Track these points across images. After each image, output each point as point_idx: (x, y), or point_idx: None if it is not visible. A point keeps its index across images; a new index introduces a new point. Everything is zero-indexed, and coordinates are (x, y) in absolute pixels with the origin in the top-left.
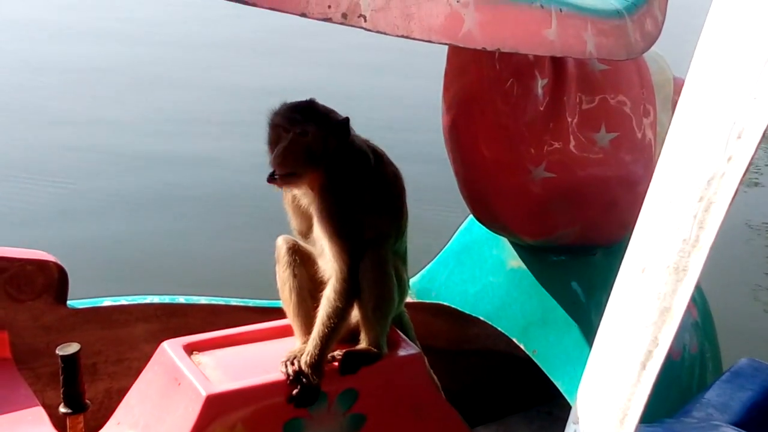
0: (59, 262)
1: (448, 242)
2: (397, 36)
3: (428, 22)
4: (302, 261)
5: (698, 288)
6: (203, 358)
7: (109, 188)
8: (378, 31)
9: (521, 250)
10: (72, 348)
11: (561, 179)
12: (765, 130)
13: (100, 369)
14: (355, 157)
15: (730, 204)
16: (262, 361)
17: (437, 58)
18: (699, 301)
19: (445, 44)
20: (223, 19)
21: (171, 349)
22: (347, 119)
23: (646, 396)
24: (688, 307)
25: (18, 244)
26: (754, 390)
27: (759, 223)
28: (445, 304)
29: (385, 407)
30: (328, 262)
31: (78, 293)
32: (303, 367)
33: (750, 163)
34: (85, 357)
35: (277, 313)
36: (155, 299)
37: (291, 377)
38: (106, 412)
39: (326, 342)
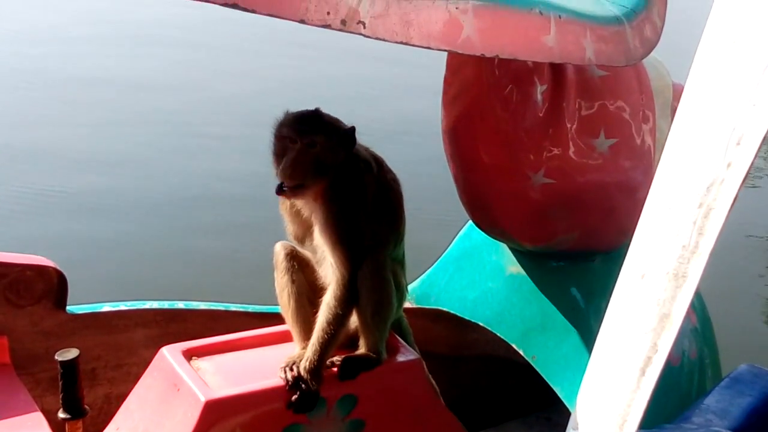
0: (59, 268)
1: (447, 248)
2: (396, 42)
3: (427, 29)
4: (300, 267)
5: (697, 294)
6: (202, 363)
7: (109, 193)
8: (377, 38)
9: (520, 255)
10: (71, 353)
11: (560, 185)
12: (764, 137)
13: (100, 374)
14: (358, 165)
15: (730, 210)
16: (261, 367)
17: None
18: (698, 306)
19: (444, 51)
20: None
21: (170, 354)
22: (353, 128)
23: (646, 402)
24: (688, 313)
25: (17, 250)
26: (753, 396)
27: (759, 229)
28: (444, 309)
29: (384, 413)
30: (328, 269)
31: (77, 299)
32: (302, 372)
33: (749, 170)
34: (85, 362)
35: (277, 318)
36: (154, 305)
37: (290, 383)
38: (105, 418)
39: (325, 348)
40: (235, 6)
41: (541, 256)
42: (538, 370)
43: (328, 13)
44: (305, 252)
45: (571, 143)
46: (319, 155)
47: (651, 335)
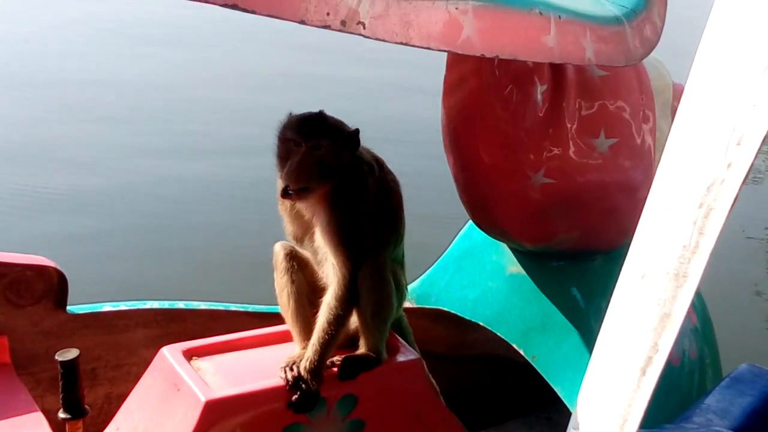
0: (59, 268)
1: (447, 247)
2: (396, 43)
3: (427, 29)
4: (300, 267)
5: (698, 294)
6: (202, 363)
7: (109, 194)
8: (377, 38)
9: (521, 255)
10: (71, 354)
11: (560, 185)
12: (764, 137)
13: (100, 374)
14: (361, 168)
15: (730, 210)
16: (262, 367)
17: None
18: (698, 306)
19: (444, 51)
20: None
21: (170, 354)
22: (357, 131)
23: (646, 402)
24: (688, 312)
25: (17, 250)
26: (754, 396)
27: (759, 228)
28: (444, 309)
29: (385, 413)
30: (329, 269)
31: (78, 298)
32: (302, 372)
33: (749, 170)
34: (85, 362)
35: (277, 318)
36: (155, 304)
37: (290, 383)
38: (105, 418)
39: (326, 348)
40: (234, 7)
41: (542, 256)
42: (538, 369)
43: (328, 14)
44: (304, 252)
45: (571, 143)
46: (324, 158)
47: (651, 335)
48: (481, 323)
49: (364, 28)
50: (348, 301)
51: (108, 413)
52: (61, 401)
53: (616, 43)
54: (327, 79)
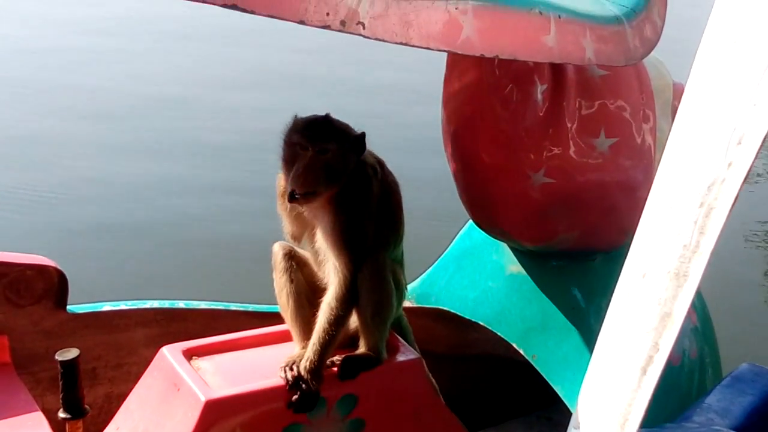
0: (59, 267)
1: (447, 247)
2: (396, 43)
3: (427, 29)
4: (299, 266)
5: (698, 293)
6: (202, 363)
7: (109, 193)
8: (376, 39)
9: (521, 255)
10: (71, 353)
11: (560, 185)
12: (765, 136)
13: (100, 374)
14: (366, 171)
15: (731, 210)
16: (262, 367)
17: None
18: (699, 306)
19: (444, 51)
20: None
21: (170, 354)
22: (363, 134)
23: (647, 401)
24: (688, 312)
25: (18, 249)
26: (755, 395)
27: (759, 228)
28: (444, 308)
29: (385, 412)
30: (330, 270)
31: (78, 298)
32: (302, 372)
33: (750, 169)
34: (85, 362)
35: (277, 318)
36: (155, 304)
37: (290, 383)
38: (105, 417)
39: (326, 348)
40: (234, 7)
41: (542, 256)
42: (538, 369)
43: (328, 14)
44: (303, 251)
45: (571, 142)
46: (331, 162)
47: (652, 334)
48: (481, 323)
49: (364, 28)
50: (348, 301)
51: (108, 413)
52: (61, 401)
53: (616, 42)
54: (326, 79)
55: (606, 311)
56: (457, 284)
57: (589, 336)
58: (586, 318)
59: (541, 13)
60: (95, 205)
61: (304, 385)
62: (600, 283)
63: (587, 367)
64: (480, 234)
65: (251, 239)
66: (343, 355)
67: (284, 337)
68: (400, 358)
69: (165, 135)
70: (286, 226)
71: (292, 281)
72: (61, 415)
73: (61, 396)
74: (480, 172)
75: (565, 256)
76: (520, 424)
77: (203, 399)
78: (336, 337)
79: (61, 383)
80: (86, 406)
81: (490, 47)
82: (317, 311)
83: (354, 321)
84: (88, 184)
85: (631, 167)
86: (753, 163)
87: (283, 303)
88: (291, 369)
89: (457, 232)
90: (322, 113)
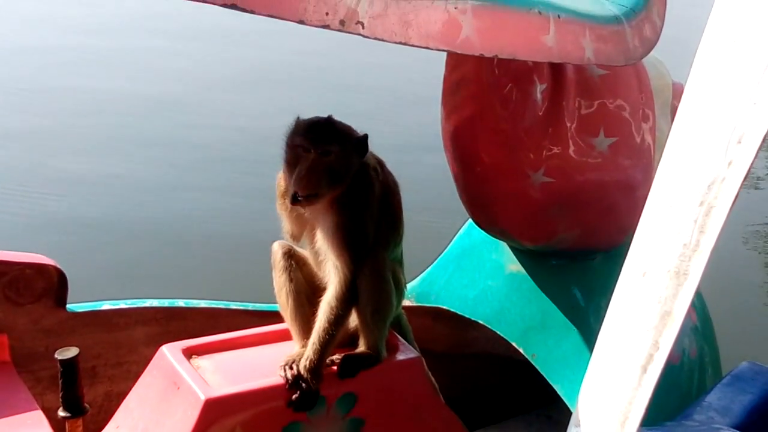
0: (59, 266)
1: (447, 246)
2: (395, 43)
3: (426, 29)
4: (298, 265)
5: (698, 293)
6: (202, 361)
7: (109, 191)
8: (376, 38)
9: (520, 254)
10: (71, 352)
11: (560, 184)
12: (765, 135)
13: (100, 372)
14: (368, 173)
15: (731, 208)
16: (261, 365)
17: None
18: (698, 305)
19: (444, 51)
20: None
21: (170, 352)
22: (366, 136)
23: (647, 399)
24: (688, 311)
25: (17, 248)
26: (755, 393)
27: (759, 227)
28: (444, 307)
29: (384, 411)
30: (330, 269)
31: (77, 297)
32: (302, 371)
33: (750, 168)
34: (85, 360)
35: (276, 317)
36: (155, 303)
37: (290, 382)
38: (105, 416)
39: (325, 347)
40: (233, 6)
41: (541, 255)
42: (538, 368)
43: (327, 14)
44: (303, 250)
45: (570, 142)
46: (333, 164)
47: (652, 333)
48: (480, 322)
49: (363, 27)
50: (348, 300)
51: (108, 411)
52: (60, 399)
53: (616, 42)
54: (326, 79)
55: (606, 310)
56: (456, 283)
57: (589, 335)
58: (585, 317)
59: (540, 12)
60: (95, 204)
61: (303, 384)
62: (599, 283)
63: (587, 366)
64: (479, 233)
65: (251, 238)
66: (342, 354)
67: (284, 335)
68: (400, 356)
69: (166, 134)
70: (286, 225)
71: (291, 280)
72: (61, 413)
73: (60, 394)
74: (479, 171)
75: (564, 256)
76: (520, 423)
77: (203, 398)
78: (336, 336)
79: (60, 382)
80: (86, 405)
81: (490, 47)
82: (317, 310)
83: (354, 320)
84: (88, 182)
85: (631, 167)
86: (753, 161)
87: (283, 302)
88: (291, 368)
89: (457, 231)
90: (325, 115)
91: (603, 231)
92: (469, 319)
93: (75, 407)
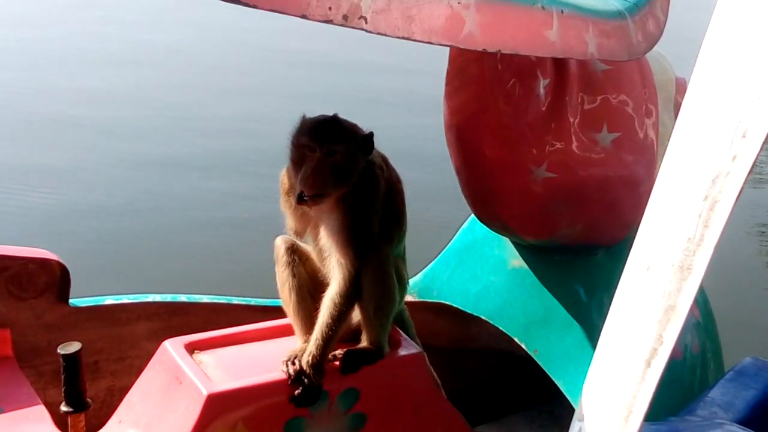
0: (61, 261)
1: (449, 241)
2: (398, 38)
3: (429, 24)
4: (301, 260)
5: (700, 288)
6: (204, 357)
7: (113, 185)
8: (379, 33)
9: (523, 249)
10: (73, 347)
11: (563, 179)
12: None
13: (102, 367)
14: (374, 171)
15: (735, 203)
16: (264, 361)
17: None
18: (701, 301)
19: (446, 46)
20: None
21: (172, 347)
22: (371, 134)
23: (651, 394)
24: (690, 306)
25: (20, 243)
26: (758, 389)
27: (762, 221)
28: (446, 303)
29: (387, 406)
30: (334, 265)
31: (80, 291)
32: (304, 366)
33: (755, 162)
34: (87, 355)
35: (279, 312)
36: (157, 298)
37: (292, 377)
38: (107, 411)
39: (328, 342)
40: (236, 2)
41: (544, 250)
42: (540, 363)
43: (330, 9)
44: (306, 246)
45: (573, 137)
46: (339, 163)
47: (656, 327)
48: (483, 317)
49: (366, 22)
50: (351, 296)
51: (110, 406)
52: (63, 394)
53: (619, 37)
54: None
55: (608, 306)
56: (459, 278)
57: (591, 331)
58: (588, 312)
59: (543, 7)
60: (97, 198)
61: (306, 380)
62: (602, 278)
63: (589, 361)
64: (482, 228)
65: (253, 232)
66: (345, 349)
67: (286, 331)
68: (402, 352)
69: (168, 128)
70: (290, 222)
71: (294, 275)
72: (64, 408)
73: (63, 389)
74: (482, 166)
75: (567, 251)
76: (522, 419)
77: (205, 393)
78: (338, 331)
79: (63, 376)
80: (88, 400)
81: (493, 42)
82: (319, 305)
83: (356, 315)
84: (90, 177)
85: (634, 162)
86: (757, 156)
87: (286, 297)
88: (293, 363)
89: (459, 227)
90: (330, 114)
91: (606, 226)
92: (471, 315)
93: (77, 402)
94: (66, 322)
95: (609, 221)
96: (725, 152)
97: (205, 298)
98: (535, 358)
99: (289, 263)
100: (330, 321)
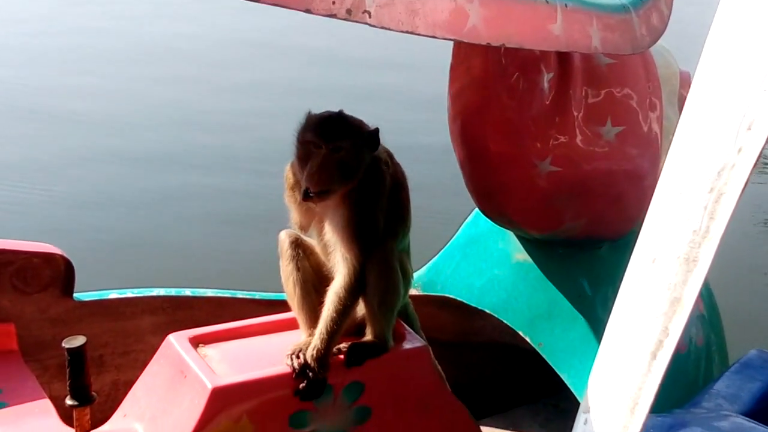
0: (66, 255)
1: (453, 235)
2: (402, 32)
3: (433, 18)
4: (305, 254)
5: (705, 281)
6: (209, 350)
7: (116, 181)
8: (382, 27)
9: (527, 243)
10: (78, 341)
11: (567, 173)
12: None
13: (107, 361)
14: (379, 166)
15: (740, 195)
16: (268, 354)
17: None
18: (705, 294)
19: (450, 40)
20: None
21: (177, 341)
22: (377, 130)
23: (657, 386)
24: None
25: (25, 237)
26: (763, 381)
27: (765, 215)
28: (451, 296)
29: (391, 400)
30: (339, 259)
31: (84, 286)
32: (309, 360)
33: (760, 154)
34: (92, 349)
35: (283, 305)
36: (161, 292)
37: (297, 370)
38: (112, 404)
39: (332, 336)
40: None
41: (548, 244)
42: (544, 357)
43: (334, 3)
44: (310, 239)
45: (577, 131)
46: (345, 160)
47: (662, 319)
48: (487, 310)
49: (370, 16)
50: (356, 290)
51: (115, 400)
52: (68, 388)
53: (623, 31)
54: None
55: (612, 299)
56: (463, 272)
57: (596, 324)
58: (592, 306)
59: (547, 1)
60: (102, 193)
61: (310, 373)
62: (606, 272)
63: (593, 355)
64: (486, 222)
65: (257, 226)
66: (349, 343)
67: (291, 324)
68: (407, 345)
69: (171, 126)
70: (294, 216)
71: (298, 269)
72: (69, 402)
73: (68, 383)
74: (486, 160)
75: (571, 245)
76: (527, 412)
77: (210, 386)
78: (343, 325)
79: (68, 370)
80: (93, 393)
81: (497, 36)
82: (324, 299)
83: (361, 308)
84: (95, 168)
85: (638, 156)
86: (763, 148)
87: (290, 291)
88: (297, 357)
89: (463, 221)
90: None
91: (610, 220)
92: (475, 308)
93: (82, 396)
94: (71, 316)
95: (613, 215)
96: (731, 144)
97: (210, 292)
98: (539, 352)
99: (294, 257)
100: (334, 315)
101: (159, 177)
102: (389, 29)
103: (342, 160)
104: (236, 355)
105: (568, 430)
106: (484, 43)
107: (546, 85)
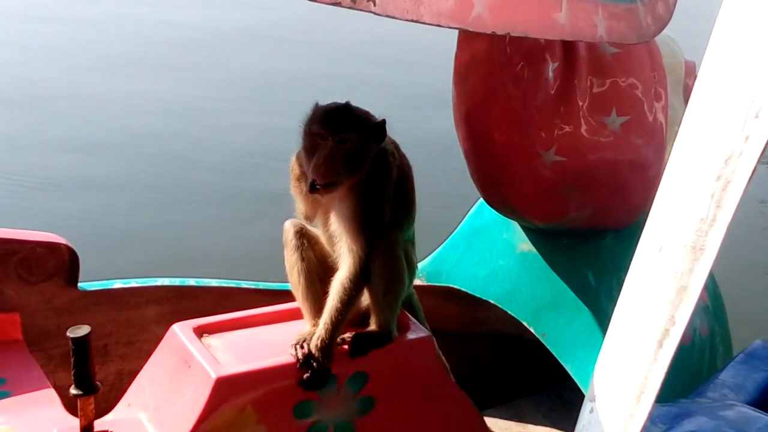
0: (70, 245)
1: (458, 225)
2: (407, 20)
3: (438, 6)
4: (310, 244)
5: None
6: (213, 340)
7: (121, 171)
8: (387, 16)
9: (531, 233)
10: (83, 330)
11: (571, 163)
12: None
13: (111, 351)
14: (386, 158)
15: (748, 183)
16: (272, 344)
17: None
18: (710, 284)
19: (455, 28)
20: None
21: (181, 331)
22: (384, 121)
23: (663, 374)
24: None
25: (29, 227)
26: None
27: None
28: (455, 287)
29: (395, 390)
30: (344, 250)
31: (89, 275)
32: (313, 350)
33: None
34: (96, 339)
35: (288, 295)
36: (166, 281)
37: (301, 360)
38: (117, 394)
39: (337, 326)
40: None
41: (553, 234)
42: (548, 347)
43: None
44: (315, 229)
45: (582, 121)
46: (352, 151)
47: (668, 308)
48: (491, 301)
49: (375, 5)
50: (361, 280)
51: (119, 389)
52: (72, 377)
53: (628, 20)
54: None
55: (617, 290)
56: (467, 262)
57: (600, 314)
58: (596, 297)
59: None
60: (105, 183)
61: (314, 363)
62: (611, 262)
63: (598, 345)
64: (490, 212)
65: (262, 215)
66: (353, 333)
67: (295, 314)
68: (411, 336)
69: (175, 119)
70: (300, 207)
71: (303, 259)
72: (73, 391)
73: (72, 372)
74: (491, 150)
75: (575, 235)
76: (530, 403)
77: (214, 376)
78: (347, 315)
79: (72, 360)
80: (98, 383)
81: (502, 24)
82: (328, 289)
83: (365, 298)
84: (99, 162)
85: (643, 145)
86: None
87: (294, 281)
88: (302, 347)
89: (468, 211)
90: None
91: (615, 210)
92: (479, 299)
93: (87, 385)
94: (75, 306)
95: (618, 205)
96: (738, 132)
97: (214, 282)
98: (543, 342)
99: (298, 247)
100: (339, 305)
101: (164, 167)
102: (394, 18)
103: (349, 152)
104: (240, 345)
105: (571, 420)
106: (489, 31)
107: (551, 74)
